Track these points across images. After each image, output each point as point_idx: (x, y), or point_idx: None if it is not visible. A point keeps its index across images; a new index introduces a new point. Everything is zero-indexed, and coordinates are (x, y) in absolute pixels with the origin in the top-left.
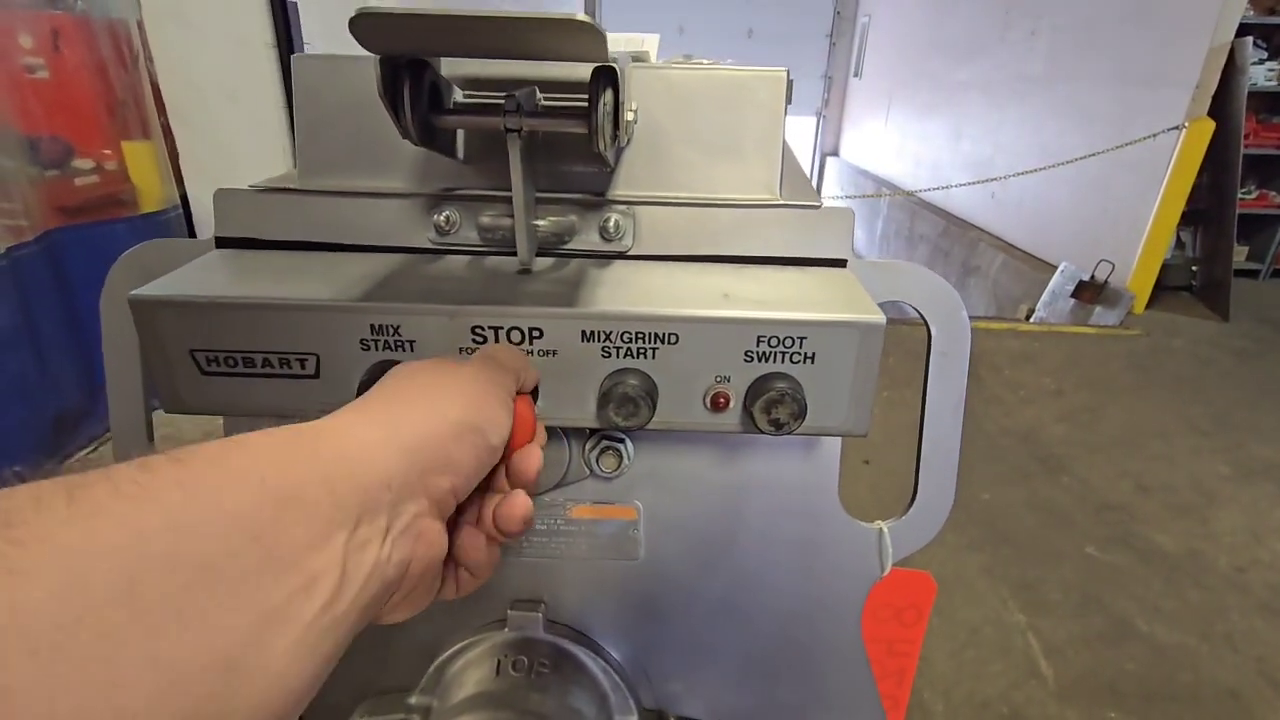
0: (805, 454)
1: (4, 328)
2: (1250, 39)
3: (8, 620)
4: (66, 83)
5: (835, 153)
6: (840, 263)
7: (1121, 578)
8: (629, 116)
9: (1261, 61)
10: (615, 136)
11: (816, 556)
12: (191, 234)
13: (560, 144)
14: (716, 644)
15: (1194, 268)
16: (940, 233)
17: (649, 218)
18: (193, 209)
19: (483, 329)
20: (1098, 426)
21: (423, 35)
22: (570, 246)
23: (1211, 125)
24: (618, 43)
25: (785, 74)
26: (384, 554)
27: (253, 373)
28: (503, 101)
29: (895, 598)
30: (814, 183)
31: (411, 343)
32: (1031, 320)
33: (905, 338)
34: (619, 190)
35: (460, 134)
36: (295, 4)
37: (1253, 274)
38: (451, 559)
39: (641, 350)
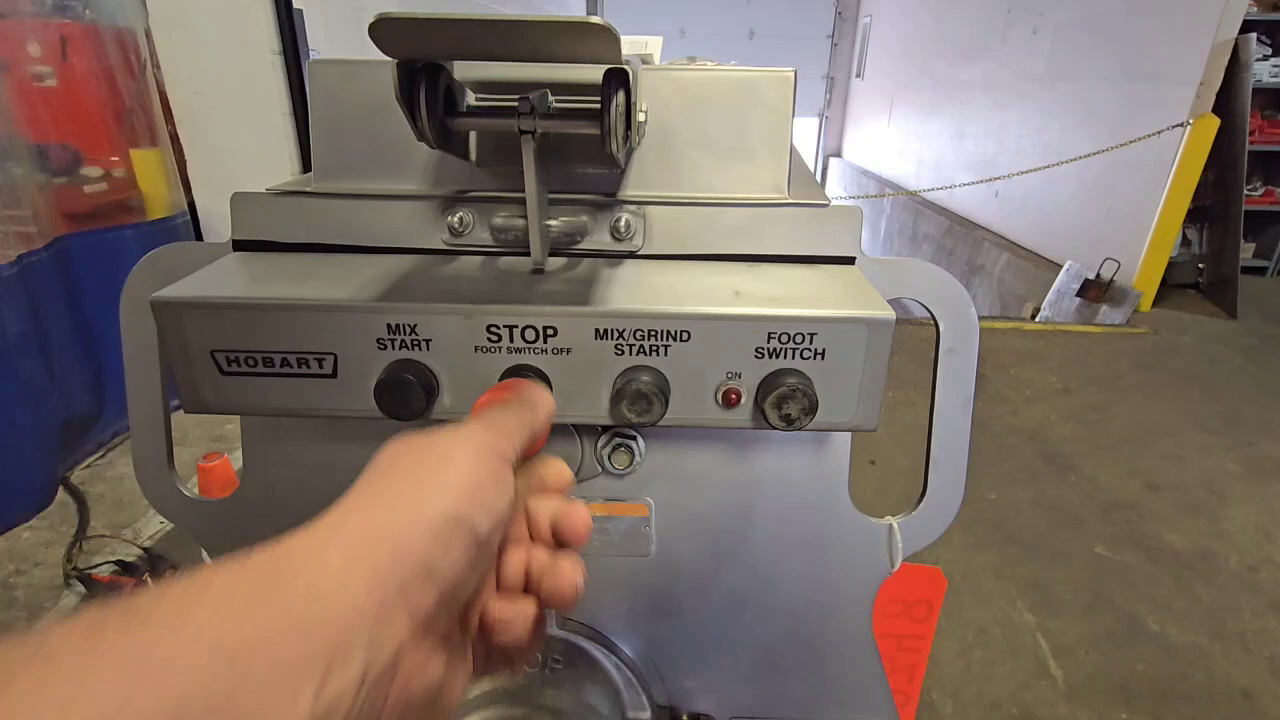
0: (816, 450)
1: (14, 334)
2: (1254, 35)
3: None
4: (75, 91)
5: (838, 153)
6: (849, 260)
7: (1132, 577)
8: (640, 117)
9: (1266, 58)
10: (627, 137)
11: (827, 552)
12: (199, 239)
13: (571, 145)
14: (728, 639)
15: (1200, 265)
16: (944, 232)
17: (659, 217)
18: (200, 215)
19: (498, 327)
20: (1105, 425)
21: (440, 39)
22: (582, 246)
23: (1216, 122)
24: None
25: (793, 74)
26: (356, 706)
27: (272, 372)
28: (516, 104)
29: (905, 593)
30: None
31: (428, 341)
32: (1037, 319)
33: (909, 338)
34: (629, 190)
35: (473, 136)
36: (300, 11)
37: (1260, 271)
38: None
39: (654, 348)
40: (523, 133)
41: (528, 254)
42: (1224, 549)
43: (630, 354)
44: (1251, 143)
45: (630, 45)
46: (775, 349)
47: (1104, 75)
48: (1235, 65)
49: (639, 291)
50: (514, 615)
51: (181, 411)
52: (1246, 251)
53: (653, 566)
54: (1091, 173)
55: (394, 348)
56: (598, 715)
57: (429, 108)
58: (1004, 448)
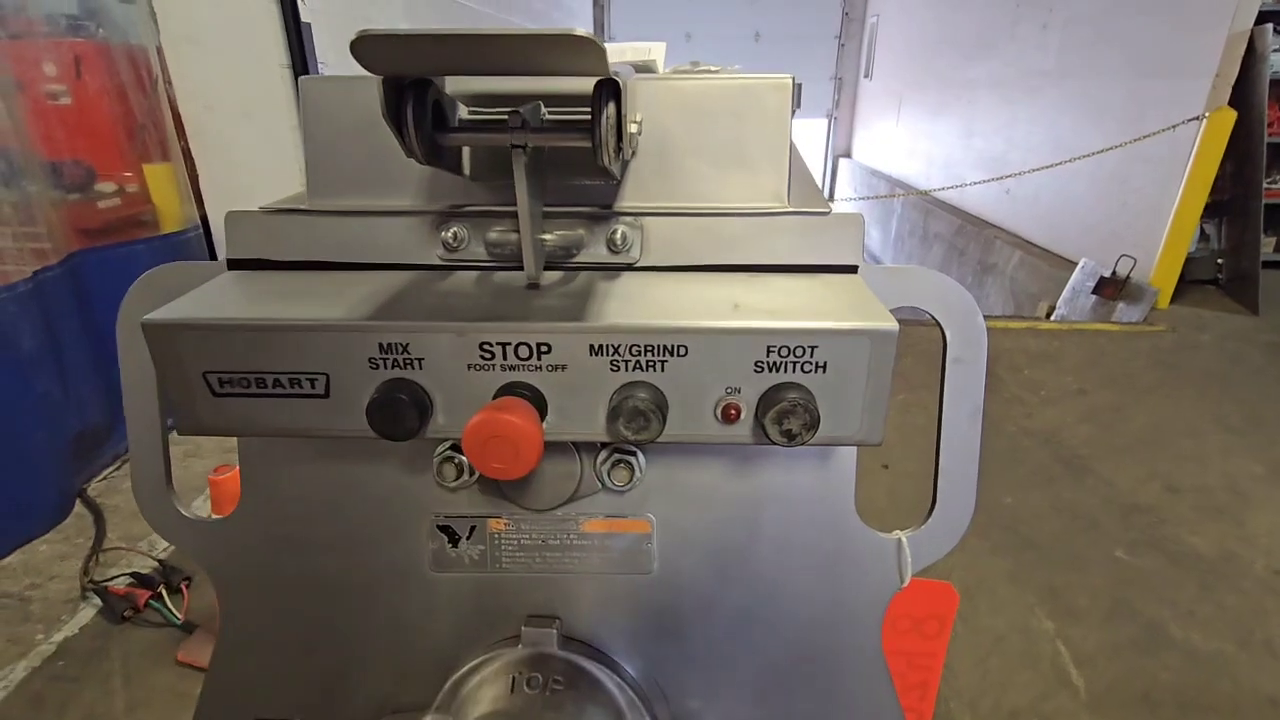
0: (820, 464)
1: (29, 349)
2: (1270, 26)
3: None
4: (88, 108)
5: (847, 154)
6: (851, 269)
7: (1153, 582)
8: (632, 129)
9: None
10: (619, 149)
11: (834, 568)
12: (211, 252)
13: (566, 157)
14: (733, 659)
15: (1219, 261)
16: (955, 231)
17: (656, 229)
18: (212, 228)
19: (490, 345)
20: (1123, 426)
21: (423, 55)
22: (578, 260)
23: (1233, 115)
24: (624, 52)
25: (791, 80)
26: None
27: (264, 393)
28: (507, 118)
29: (916, 609)
30: (827, 185)
31: (420, 360)
32: (1051, 318)
33: (920, 339)
34: (626, 202)
35: (466, 152)
36: (309, 25)
37: None
38: None
39: (651, 363)
40: (513, 147)
41: (522, 268)
42: (1249, 553)
43: (626, 370)
44: (1270, 135)
45: (633, 52)
46: (775, 363)
47: (1115, 70)
48: (1251, 57)
49: (635, 306)
50: None
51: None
52: (1267, 246)
53: (655, 584)
54: (1105, 169)
55: (386, 367)
56: None
57: (417, 124)
58: (1019, 450)
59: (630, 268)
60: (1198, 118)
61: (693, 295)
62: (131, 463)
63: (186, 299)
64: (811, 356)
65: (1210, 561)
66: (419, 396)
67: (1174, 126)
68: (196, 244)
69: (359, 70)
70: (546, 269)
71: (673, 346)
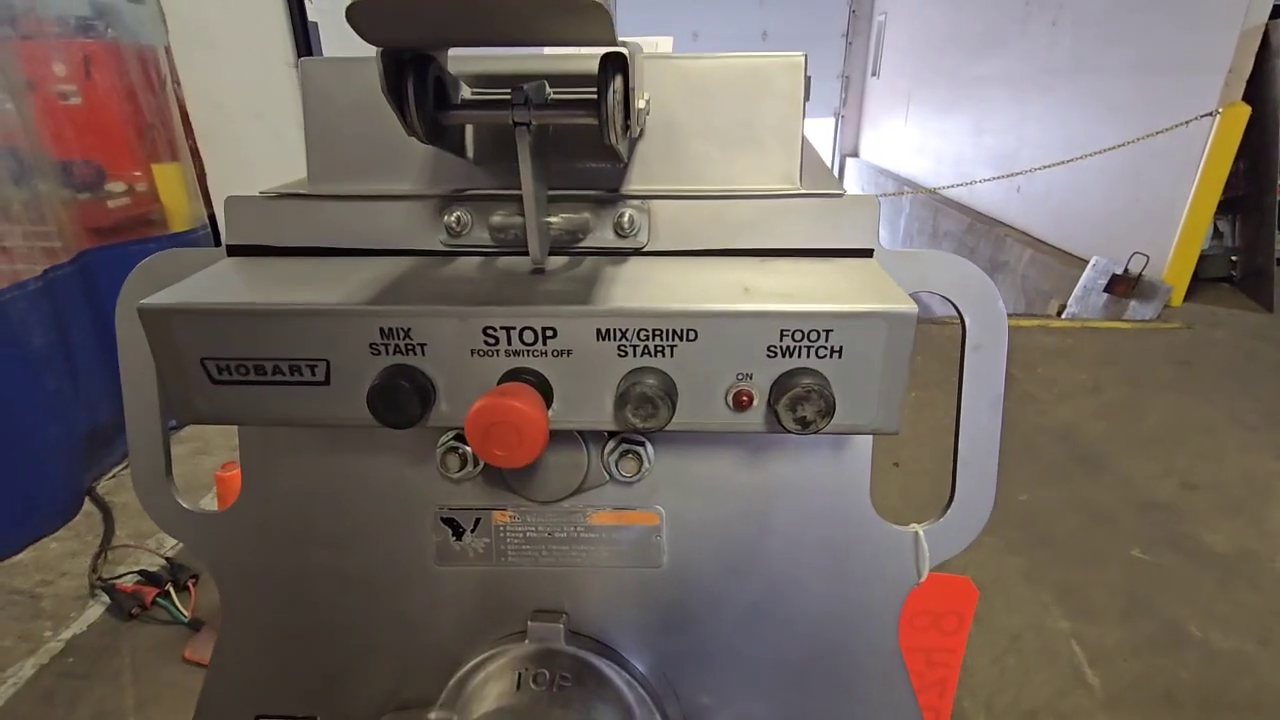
0: (834, 454)
1: (40, 346)
2: None
3: None
4: (98, 108)
5: (855, 153)
6: (866, 253)
7: (1171, 580)
8: (640, 105)
9: None
10: (627, 126)
11: (849, 562)
12: None
13: (572, 139)
14: (745, 654)
15: (1234, 258)
16: (965, 229)
17: (664, 212)
18: (220, 228)
19: (495, 330)
20: (1138, 423)
21: (421, 21)
22: (584, 244)
23: (1247, 110)
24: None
25: (803, 59)
26: None
27: (263, 380)
28: (510, 96)
29: (934, 604)
30: None
31: (423, 345)
32: (1064, 316)
33: (933, 336)
34: (633, 185)
35: (470, 133)
36: (315, 23)
37: None
38: None
39: (659, 348)
40: (517, 124)
41: (527, 253)
42: (1268, 550)
43: (634, 355)
44: None
45: (635, 43)
46: (789, 347)
47: (1128, 66)
48: (1266, 52)
49: (643, 289)
50: None
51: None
52: None
53: (664, 578)
54: (1117, 165)
55: (388, 353)
56: None
57: (418, 101)
58: (1033, 448)
59: (638, 252)
60: (1211, 113)
61: (703, 279)
62: (131, 454)
63: (184, 284)
64: (826, 341)
65: (1228, 559)
66: (421, 383)
67: (1187, 122)
68: (204, 243)
69: (342, 56)
70: (551, 254)
71: (682, 331)
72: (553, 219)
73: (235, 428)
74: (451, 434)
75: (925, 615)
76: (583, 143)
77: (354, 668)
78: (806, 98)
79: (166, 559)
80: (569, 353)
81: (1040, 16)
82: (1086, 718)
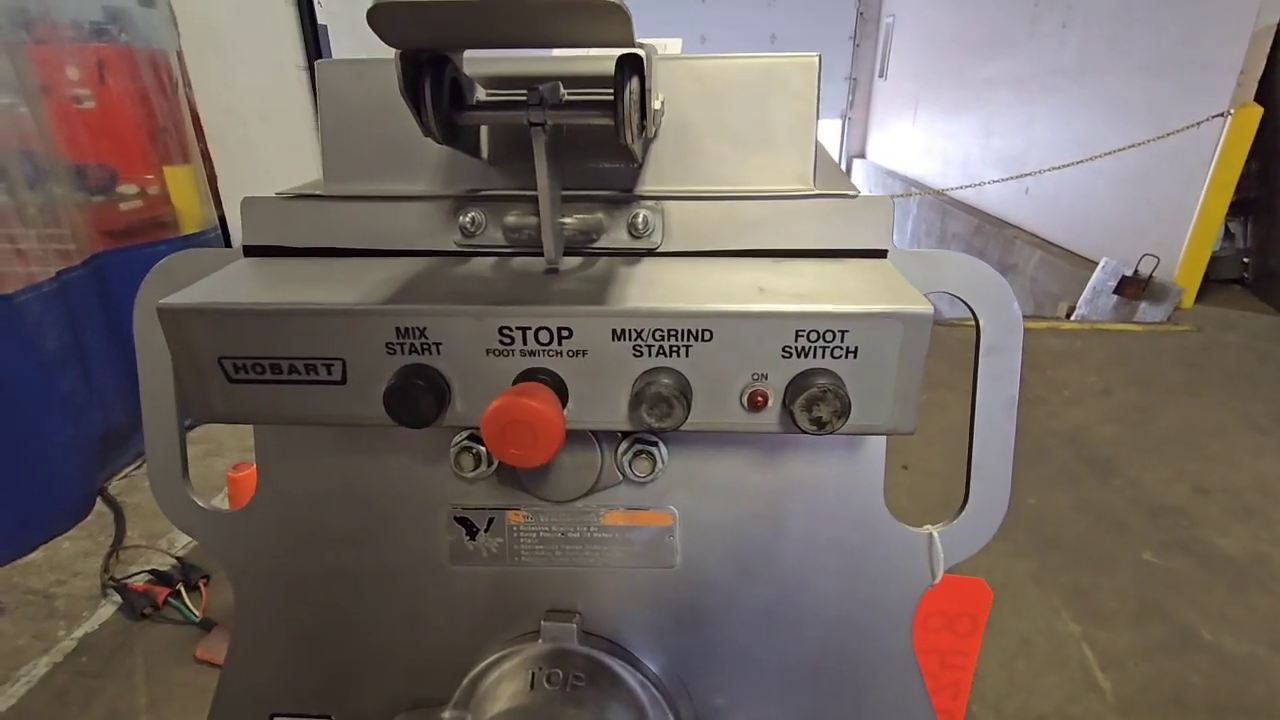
0: (848, 454)
1: (54, 348)
2: None
3: None
4: (111, 112)
5: (862, 155)
6: (880, 253)
7: (1182, 584)
8: (656, 105)
9: None
10: (643, 127)
11: (863, 563)
12: None
13: (586, 140)
14: (759, 655)
15: (1245, 260)
16: (973, 231)
17: (678, 213)
18: (230, 229)
19: (510, 329)
20: (1149, 426)
21: (441, 24)
22: (598, 245)
23: (1259, 111)
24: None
25: (817, 59)
26: None
27: (280, 379)
28: (526, 97)
29: (948, 606)
30: None
31: (438, 345)
32: (1073, 318)
33: (943, 338)
34: (647, 186)
35: (484, 134)
36: (325, 26)
37: None
38: None
39: (674, 348)
40: (532, 125)
41: (541, 254)
42: None
43: (650, 355)
44: None
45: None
46: (804, 348)
47: (1137, 66)
48: (1278, 52)
49: (658, 290)
50: None
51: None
52: None
53: (678, 578)
54: (1127, 167)
55: (403, 352)
56: None
57: (435, 101)
58: (1043, 451)
59: (651, 253)
60: (1222, 114)
61: (717, 280)
62: (148, 454)
63: (202, 284)
64: (842, 341)
65: (1240, 563)
66: (437, 383)
67: (1198, 123)
68: (215, 244)
69: (357, 58)
70: (565, 254)
71: (697, 331)
72: (567, 219)
73: (247, 429)
74: (465, 434)
75: (939, 617)
76: (596, 143)
77: (368, 667)
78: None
79: (177, 559)
80: (584, 353)
81: (1049, 17)
82: None
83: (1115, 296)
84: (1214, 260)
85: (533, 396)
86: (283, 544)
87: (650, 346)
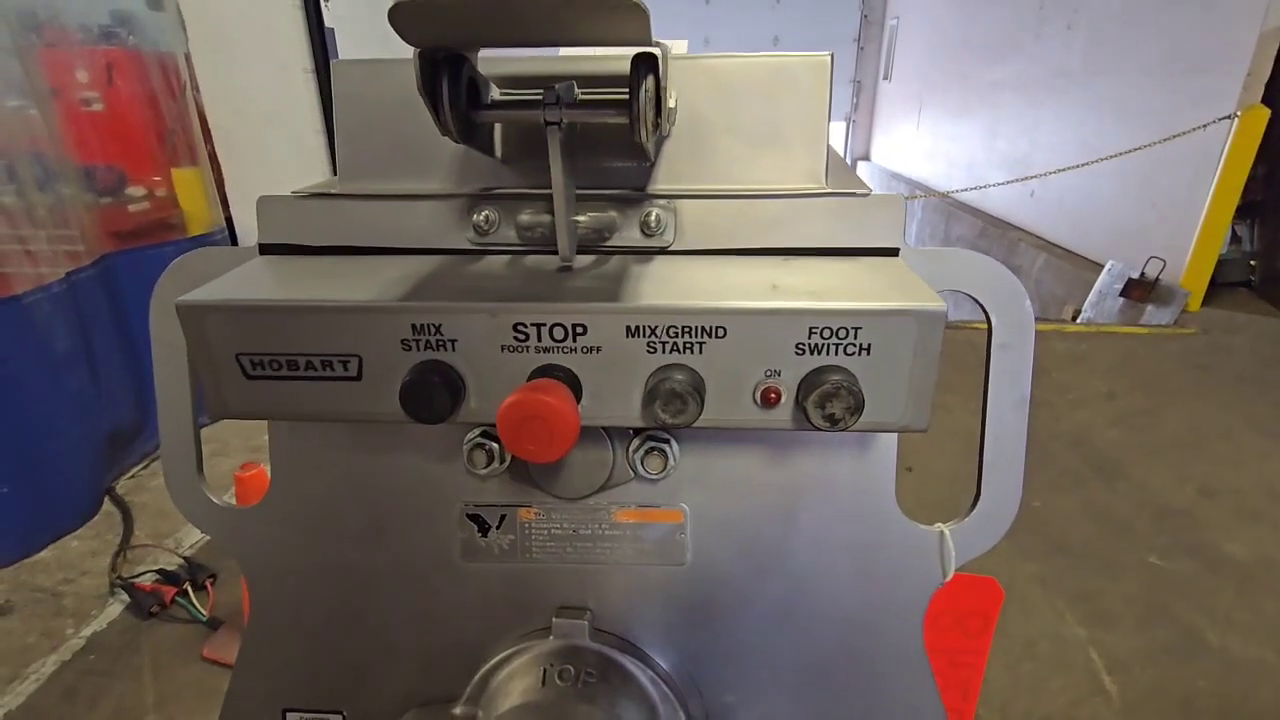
0: (859, 452)
1: (63, 348)
2: None
3: None
4: (120, 114)
5: (866, 157)
6: (892, 251)
7: (1189, 588)
8: (670, 103)
9: None
10: (657, 125)
11: (874, 560)
12: None
13: (599, 139)
14: (770, 653)
15: (1252, 262)
16: (978, 234)
17: (691, 211)
18: (237, 230)
19: (525, 326)
20: (1155, 429)
21: (461, 23)
22: (611, 243)
23: (1266, 113)
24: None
25: (829, 58)
26: None
27: (296, 376)
28: (541, 96)
29: (958, 604)
30: None
31: (453, 342)
32: (1079, 321)
33: (948, 339)
34: (659, 184)
35: (498, 132)
36: (332, 29)
37: None
38: None
39: (688, 345)
40: (548, 124)
41: (555, 251)
42: None
43: (663, 352)
44: None
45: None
46: (817, 345)
47: (1143, 68)
48: None
49: (671, 287)
50: None
51: (210, 420)
52: None
53: (689, 575)
54: (1132, 169)
55: (419, 349)
56: None
57: (452, 100)
58: (1047, 454)
59: (664, 251)
60: (1229, 116)
61: (730, 277)
62: (163, 451)
63: (220, 282)
64: (855, 338)
65: (1247, 567)
66: (452, 379)
67: (1204, 126)
68: (222, 245)
69: (373, 58)
70: (579, 252)
71: (711, 328)
72: (580, 217)
73: (254, 430)
74: (478, 430)
75: (949, 615)
76: (609, 142)
77: (380, 663)
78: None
79: (185, 558)
80: (598, 349)
81: (1055, 20)
82: None
83: (1121, 299)
84: (1221, 263)
85: (549, 392)
86: (296, 540)
87: (664, 343)
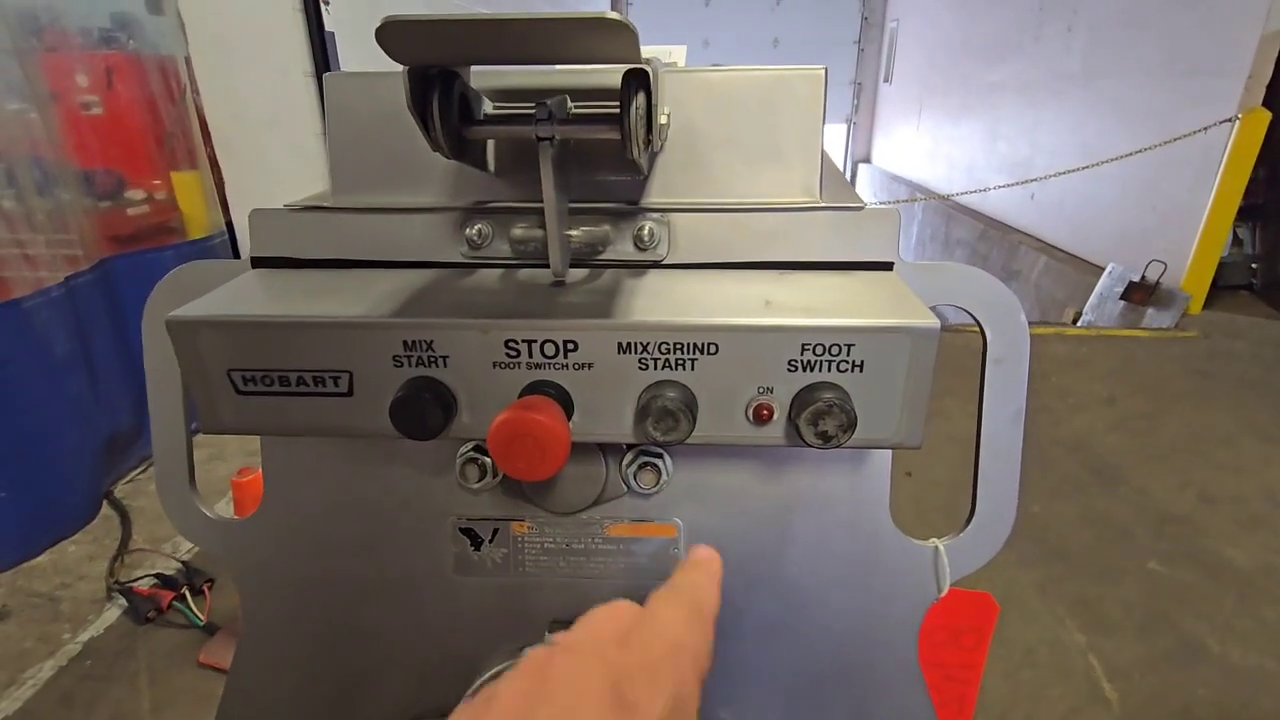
0: (854, 468)
1: (62, 352)
2: None
3: None
4: (119, 118)
5: (867, 159)
6: (886, 266)
7: (1189, 595)
8: (662, 120)
9: None
10: (649, 141)
11: (868, 576)
12: (236, 259)
13: (593, 153)
14: (763, 668)
15: (1253, 265)
16: (978, 236)
17: (684, 225)
18: (237, 234)
19: (516, 342)
20: (1156, 434)
21: (449, 42)
22: (605, 257)
23: (1267, 116)
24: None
25: (824, 72)
26: None
27: (288, 391)
28: (534, 111)
29: (954, 620)
30: None
31: (445, 358)
32: (1080, 324)
33: (945, 343)
34: (653, 198)
35: (492, 146)
36: (332, 33)
37: None
38: None
39: (680, 361)
40: (540, 139)
41: (548, 266)
42: None
43: (655, 369)
44: None
45: (652, 55)
46: (810, 361)
47: (1144, 71)
48: None
49: (663, 302)
50: None
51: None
52: None
53: None
54: (1133, 172)
55: (410, 365)
56: None
57: (443, 117)
58: (1047, 459)
59: (658, 265)
60: (1230, 119)
61: (723, 292)
62: (156, 463)
63: (210, 297)
64: (848, 355)
65: (1249, 574)
66: (443, 395)
67: (1205, 129)
68: (222, 250)
69: (366, 70)
70: (572, 266)
71: (703, 344)
72: (573, 232)
73: (252, 439)
74: (471, 445)
75: (944, 631)
76: (603, 156)
77: (372, 676)
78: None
79: (182, 563)
80: (590, 366)
81: (1055, 22)
82: None
83: (1122, 302)
84: (1222, 266)
85: (539, 410)
86: (289, 553)
87: (656, 360)
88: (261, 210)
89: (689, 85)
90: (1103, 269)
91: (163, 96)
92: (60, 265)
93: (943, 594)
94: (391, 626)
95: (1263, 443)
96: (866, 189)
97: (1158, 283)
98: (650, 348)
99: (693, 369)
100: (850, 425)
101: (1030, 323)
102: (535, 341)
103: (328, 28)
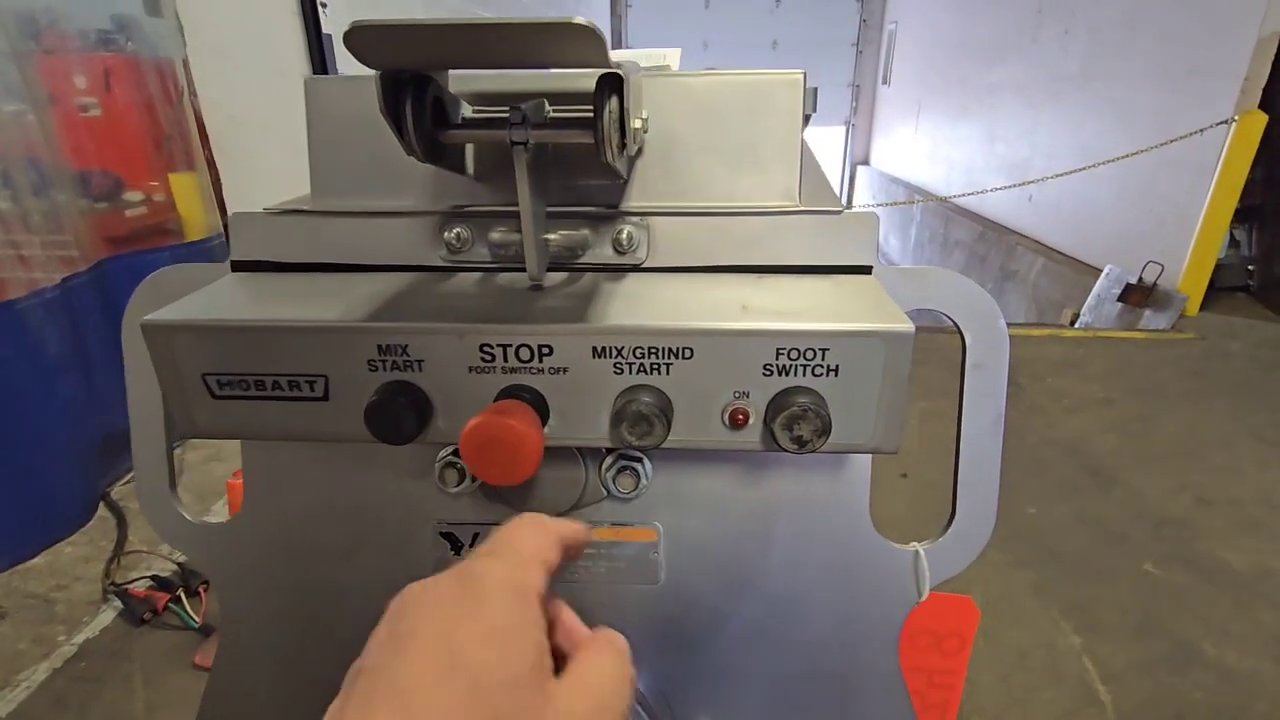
0: (833, 472)
1: (57, 353)
2: None
3: None
4: (117, 120)
5: (866, 161)
6: (865, 269)
7: (1185, 598)
8: (636, 124)
9: None
10: (623, 146)
11: (849, 580)
12: None
13: (571, 156)
14: (744, 673)
15: (1250, 267)
16: (976, 238)
17: (663, 229)
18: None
19: (491, 347)
20: (1152, 436)
21: (418, 47)
22: (583, 261)
23: (1264, 118)
24: (639, 58)
25: (802, 76)
26: None
27: (263, 395)
28: (509, 115)
29: (935, 624)
30: (845, 192)
31: (420, 362)
32: (1075, 326)
33: (941, 346)
34: (632, 201)
35: (470, 150)
36: (330, 35)
37: None
38: None
39: (655, 366)
40: (514, 144)
41: (526, 270)
42: None
43: (630, 373)
44: None
45: (648, 58)
46: (785, 366)
47: (1141, 73)
48: None
49: (639, 306)
50: None
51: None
52: None
53: (662, 595)
54: (1130, 173)
55: (385, 369)
56: None
57: (416, 121)
58: (1042, 461)
59: (637, 268)
60: (1227, 121)
61: (700, 296)
62: (135, 466)
63: (187, 300)
64: (823, 359)
65: (1245, 577)
66: (418, 399)
67: (1202, 130)
68: (219, 251)
69: (346, 74)
70: (551, 270)
71: (678, 349)
72: (551, 235)
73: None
74: (450, 449)
75: (926, 635)
76: (582, 159)
77: None
78: (813, 110)
79: (178, 564)
80: (565, 370)
81: (1052, 24)
82: None
83: (1119, 304)
84: (1219, 267)
85: (511, 415)
86: (268, 557)
87: (631, 364)
88: (242, 214)
89: (669, 90)
90: (1100, 270)
91: (161, 98)
92: (56, 267)
93: (923, 598)
94: (372, 631)
95: (1259, 445)
96: (865, 191)
97: (1155, 284)
98: (625, 352)
99: (668, 373)
100: (825, 430)
101: (1027, 324)
102: (510, 346)
103: (325, 30)
